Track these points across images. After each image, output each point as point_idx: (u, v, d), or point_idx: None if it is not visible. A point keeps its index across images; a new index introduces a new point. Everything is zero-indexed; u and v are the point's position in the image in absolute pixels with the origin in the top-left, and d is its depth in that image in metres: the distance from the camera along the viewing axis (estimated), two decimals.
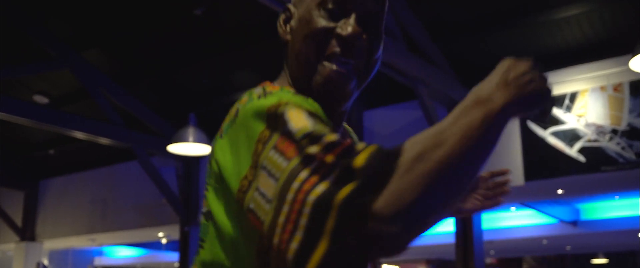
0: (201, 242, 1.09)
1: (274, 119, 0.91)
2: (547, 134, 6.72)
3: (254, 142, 0.92)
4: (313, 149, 0.84)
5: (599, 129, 6.45)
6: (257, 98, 0.99)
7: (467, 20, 6.78)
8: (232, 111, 1.04)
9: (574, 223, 10.73)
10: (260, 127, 0.93)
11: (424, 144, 0.84)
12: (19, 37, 7.57)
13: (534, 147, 6.79)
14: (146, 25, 7.09)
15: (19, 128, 9.22)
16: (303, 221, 0.79)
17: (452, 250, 7.37)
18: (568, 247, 14.23)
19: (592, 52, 6.58)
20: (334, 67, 1.06)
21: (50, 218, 11.69)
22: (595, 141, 6.47)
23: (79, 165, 10.94)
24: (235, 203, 0.96)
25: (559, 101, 6.70)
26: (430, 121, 6.51)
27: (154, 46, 7.51)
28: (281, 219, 0.81)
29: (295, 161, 0.84)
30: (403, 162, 0.81)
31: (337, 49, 1.05)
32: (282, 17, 1.17)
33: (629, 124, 6.31)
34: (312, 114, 0.92)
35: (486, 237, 7.88)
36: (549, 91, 0.95)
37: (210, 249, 1.05)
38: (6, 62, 7.78)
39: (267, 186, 0.86)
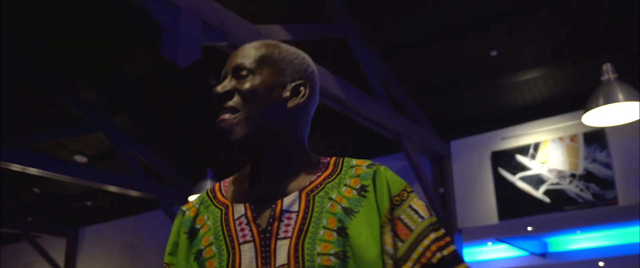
0: None
1: None
2: (516, 179, 6.65)
3: None
4: None
5: (560, 174, 6.39)
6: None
7: (444, 83, 6.80)
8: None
9: (543, 255, 10.55)
10: None
11: None
12: (59, 106, 7.60)
13: (505, 190, 6.71)
14: (167, 93, 7.11)
15: (61, 183, 9.16)
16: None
17: None
18: None
19: (551, 108, 6.60)
20: (217, 120, 1.11)
21: (87, 261, 11.52)
22: (557, 184, 6.39)
23: (111, 214, 10.83)
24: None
25: (524, 150, 6.66)
26: (415, 170, 6.45)
27: (174, 110, 7.51)
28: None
29: None
30: None
31: (220, 110, 1.12)
32: None
33: (585, 169, 6.25)
34: None
35: None
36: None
37: None
38: (48, 127, 7.79)
39: None
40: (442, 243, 1.09)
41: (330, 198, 1.07)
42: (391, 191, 1.11)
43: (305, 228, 1.02)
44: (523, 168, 6.63)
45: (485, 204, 6.88)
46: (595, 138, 6.24)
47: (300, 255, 0.99)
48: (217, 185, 1.19)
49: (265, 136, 1.10)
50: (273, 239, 1.02)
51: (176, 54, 3.52)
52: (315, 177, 1.14)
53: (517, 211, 6.65)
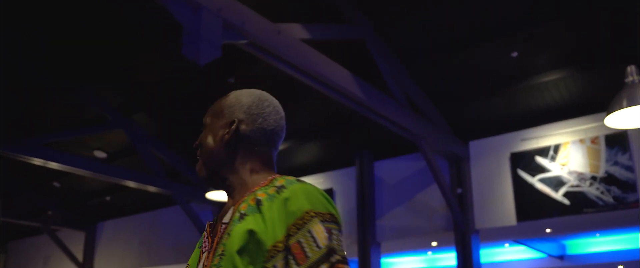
0: None
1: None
2: (536, 181, 6.58)
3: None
4: None
5: (581, 176, 6.31)
6: None
7: (463, 85, 6.75)
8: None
9: (561, 257, 10.42)
10: None
11: None
12: (80, 105, 7.69)
13: (524, 192, 6.65)
14: (186, 93, 7.14)
15: (81, 178, 9.26)
16: None
17: None
18: None
19: (572, 110, 6.52)
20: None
21: (105, 255, 11.65)
22: (577, 186, 6.32)
23: (129, 210, 10.94)
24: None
25: (544, 152, 6.58)
26: (433, 170, 6.41)
27: (192, 109, 7.55)
28: None
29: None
30: None
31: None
32: None
33: (606, 172, 6.16)
34: None
35: None
36: None
37: None
38: (69, 126, 7.89)
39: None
40: None
41: (239, 211, 1.26)
42: (290, 219, 1.21)
43: (216, 245, 1.27)
44: (543, 169, 6.56)
45: (503, 205, 6.82)
46: (617, 141, 6.15)
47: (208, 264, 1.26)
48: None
49: (215, 172, 1.39)
50: (207, 252, 1.29)
51: (197, 53, 3.54)
52: (246, 194, 1.31)
53: (536, 213, 6.58)
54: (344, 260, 1.21)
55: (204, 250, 1.31)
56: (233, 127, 1.37)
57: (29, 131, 7.45)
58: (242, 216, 1.22)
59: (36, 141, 7.24)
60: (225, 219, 1.29)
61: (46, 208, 11.40)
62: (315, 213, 1.22)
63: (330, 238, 1.21)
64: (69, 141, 8.49)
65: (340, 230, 1.26)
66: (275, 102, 1.47)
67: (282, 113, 1.47)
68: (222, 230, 1.27)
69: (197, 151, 1.42)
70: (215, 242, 1.27)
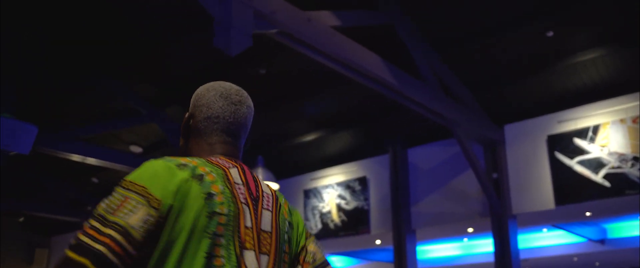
0: None
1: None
2: (574, 163, 6.44)
3: None
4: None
5: (621, 157, 6.14)
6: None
7: (497, 68, 6.64)
8: None
9: (602, 241, 10.21)
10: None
11: None
12: (114, 99, 7.80)
13: (562, 175, 6.51)
14: None
15: (118, 173, 9.43)
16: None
17: None
18: (597, 264, 13.51)
19: (610, 89, 6.35)
20: None
21: None
22: (618, 167, 6.16)
23: None
24: None
25: (583, 133, 6.43)
26: (467, 156, 6.33)
27: None
28: None
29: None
30: None
31: None
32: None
33: None
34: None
35: (522, 256, 7.55)
36: None
37: None
38: (104, 120, 8.02)
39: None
40: None
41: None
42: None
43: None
44: (581, 151, 6.41)
45: (541, 189, 6.70)
46: None
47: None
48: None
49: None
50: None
51: (227, 43, 3.54)
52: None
53: (575, 197, 6.44)
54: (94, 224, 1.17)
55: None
56: (184, 121, 1.48)
57: (62, 126, 7.60)
58: None
59: (72, 135, 7.39)
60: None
61: (85, 204, 11.65)
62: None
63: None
64: (103, 137, 8.64)
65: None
66: (225, 88, 1.48)
67: (234, 98, 1.48)
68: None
69: None
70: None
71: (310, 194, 8.88)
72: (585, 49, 6.04)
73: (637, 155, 6.05)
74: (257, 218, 1.33)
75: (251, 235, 1.30)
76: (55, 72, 7.04)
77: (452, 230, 8.80)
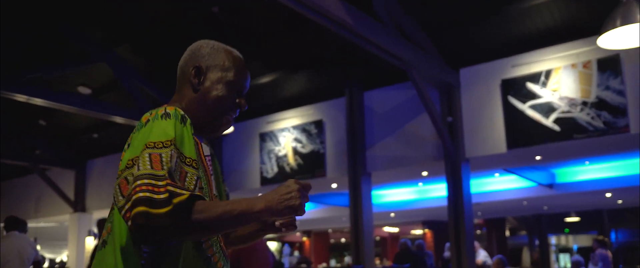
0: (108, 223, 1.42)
1: (150, 148, 1.30)
2: (526, 108, 6.58)
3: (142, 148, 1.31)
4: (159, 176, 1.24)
5: (572, 102, 6.31)
6: (160, 118, 1.35)
7: (453, 11, 6.62)
8: (143, 119, 1.39)
9: (550, 186, 10.60)
10: (145, 141, 1.32)
11: (206, 206, 1.22)
12: (61, 40, 7.50)
13: (514, 119, 6.66)
14: (169, 23, 6.96)
15: (67, 115, 9.18)
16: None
17: (445, 211, 7.28)
18: (545, 207, 14.09)
19: (563, 34, 6.44)
20: (230, 119, 1.54)
21: (96, 193, 11.73)
22: (568, 112, 6.32)
23: (118, 147, 10.89)
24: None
25: (535, 78, 6.55)
26: (423, 99, 6.38)
27: (175, 41, 7.39)
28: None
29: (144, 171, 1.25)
30: (196, 209, 1.20)
31: (234, 113, 1.54)
32: (193, 69, 1.51)
33: (598, 97, 6.16)
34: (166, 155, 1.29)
35: (474, 200, 7.78)
36: (301, 209, 1.24)
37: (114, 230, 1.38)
38: (51, 61, 7.72)
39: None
40: None
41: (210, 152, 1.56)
42: None
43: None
44: (533, 96, 6.54)
45: (494, 133, 6.85)
46: (610, 65, 6.12)
47: (222, 188, 1.59)
48: (181, 113, 1.44)
49: None
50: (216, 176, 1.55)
51: None
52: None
53: (526, 141, 6.62)
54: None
55: (211, 173, 1.47)
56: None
57: (9, 67, 7.29)
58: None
59: (18, 77, 7.11)
60: (207, 152, 1.50)
61: (34, 148, 11.37)
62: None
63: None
64: (51, 79, 8.35)
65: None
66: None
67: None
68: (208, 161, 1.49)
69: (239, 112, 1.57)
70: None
71: (266, 137, 8.86)
72: None
73: (587, 100, 6.22)
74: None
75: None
76: (2, 14, 6.69)
77: (407, 173, 8.96)
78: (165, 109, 1.38)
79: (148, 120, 1.37)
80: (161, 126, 1.33)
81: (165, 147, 1.29)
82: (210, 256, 1.39)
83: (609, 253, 8.64)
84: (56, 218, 12.95)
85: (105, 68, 7.81)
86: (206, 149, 1.48)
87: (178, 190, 1.21)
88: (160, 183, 1.22)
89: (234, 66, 1.53)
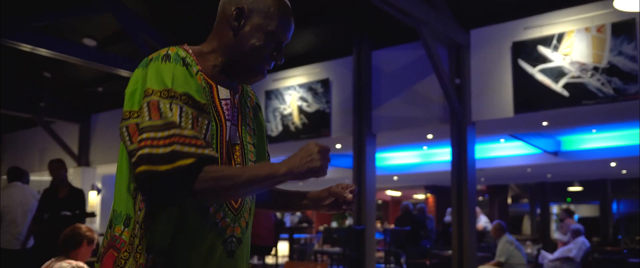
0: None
1: (148, 95, 1.28)
2: (536, 72, 6.50)
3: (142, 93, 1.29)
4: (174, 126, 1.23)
5: (582, 67, 6.23)
6: (160, 60, 1.32)
7: None
8: (149, 57, 1.36)
9: (555, 153, 10.57)
10: (146, 88, 1.29)
11: (234, 171, 1.27)
12: None
13: (523, 83, 6.59)
14: None
15: (72, 67, 9.14)
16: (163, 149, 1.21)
17: (448, 177, 7.28)
18: (549, 175, 14.09)
19: None
20: (266, 68, 1.46)
21: (100, 147, 11.76)
22: (578, 77, 6.25)
23: (123, 101, 10.89)
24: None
25: (547, 41, 6.46)
26: (432, 59, 6.31)
27: None
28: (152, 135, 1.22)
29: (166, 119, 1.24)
30: (204, 177, 1.21)
31: (269, 66, 1.46)
32: (235, 10, 1.42)
33: (609, 62, 6.08)
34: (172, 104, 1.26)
35: (478, 166, 7.76)
36: (322, 170, 1.24)
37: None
38: (53, 8, 7.63)
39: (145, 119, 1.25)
40: None
41: (247, 105, 1.54)
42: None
43: (242, 122, 1.49)
44: (544, 59, 6.46)
45: (501, 97, 6.79)
46: (624, 29, 6.01)
47: (242, 139, 1.46)
48: (188, 53, 1.40)
49: None
50: (240, 124, 1.46)
51: None
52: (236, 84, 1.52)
53: (534, 105, 6.56)
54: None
55: (227, 118, 1.41)
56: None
57: (13, 14, 7.21)
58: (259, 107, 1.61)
59: (23, 25, 7.05)
60: (224, 96, 1.43)
61: (39, 100, 11.36)
62: None
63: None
64: (56, 28, 8.28)
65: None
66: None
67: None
68: (237, 105, 1.47)
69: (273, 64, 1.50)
70: (239, 116, 1.46)
71: (272, 95, 8.83)
72: None
73: (598, 65, 6.14)
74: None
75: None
76: None
77: (412, 135, 8.94)
78: (168, 50, 1.35)
79: (152, 59, 1.34)
80: (159, 71, 1.29)
81: (163, 98, 1.26)
82: (218, 221, 1.33)
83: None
84: None
85: (110, 19, 7.73)
86: (224, 93, 1.42)
87: (185, 149, 1.19)
88: (159, 134, 1.20)
89: (278, 14, 1.43)
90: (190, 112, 1.27)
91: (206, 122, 1.30)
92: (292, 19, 1.47)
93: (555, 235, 9.11)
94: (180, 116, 1.25)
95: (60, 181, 5.62)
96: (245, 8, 1.42)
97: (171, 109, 1.24)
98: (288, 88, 8.66)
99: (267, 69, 1.47)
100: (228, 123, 1.40)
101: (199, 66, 1.39)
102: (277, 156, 5.25)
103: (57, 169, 5.62)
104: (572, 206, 19.03)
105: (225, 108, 1.40)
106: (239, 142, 1.44)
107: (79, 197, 5.64)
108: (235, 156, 1.41)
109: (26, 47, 7.10)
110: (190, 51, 1.41)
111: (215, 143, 1.35)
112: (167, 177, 1.18)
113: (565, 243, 8.23)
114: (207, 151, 1.23)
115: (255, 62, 1.43)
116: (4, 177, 6.39)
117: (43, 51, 7.26)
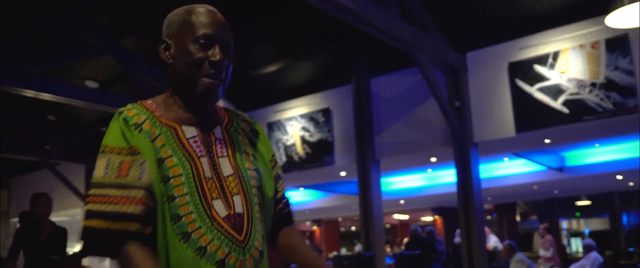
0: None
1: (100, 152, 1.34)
2: (534, 90, 6.52)
3: None
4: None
5: (580, 83, 6.24)
6: (114, 118, 1.38)
7: None
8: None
9: (560, 169, 10.53)
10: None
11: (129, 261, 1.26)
12: (65, 30, 7.50)
13: (522, 102, 6.61)
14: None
15: (75, 110, 9.20)
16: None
17: (455, 198, 7.25)
18: (555, 191, 14.01)
19: (570, 14, 6.37)
20: (211, 81, 1.35)
21: None
22: (577, 94, 6.27)
23: None
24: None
25: (543, 60, 6.49)
26: (429, 82, 6.34)
27: None
28: None
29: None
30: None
31: (212, 70, 1.35)
32: (162, 46, 1.41)
33: (607, 77, 6.09)
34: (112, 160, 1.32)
35: (484, 185, 7.74)
36: None
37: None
38: (55, 52, 7.72)
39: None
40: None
41: (239, 133, 1.49)
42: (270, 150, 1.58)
43: (233, 151, 1.43)
44: (541, 78, 6.48)
45: (502, 117, 6.80)
46: (618, 44, 6.04)
47: (238, 168, 1.41)
48: (146, 105, 1.41)
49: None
50: (216, 157, 1.39)
51: None
52: (223, 117, 1.49)
53: (535, 124, 6.57)
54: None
55: (200, 155, 1.37)
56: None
57: (11, 61, 7.30)
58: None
59: (24, 71, 7.12)
60: (191, 134, 1.39)
61: (44, 143, 11.42)
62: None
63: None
64: (57, 72, 8.36)
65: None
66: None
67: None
68: (220, 138, 1.43)
69: (223, 72, 1.38)
70: (228, 146, 1.42)
71: (274, 127, 8.86)
72: None
73: (595, 81, 6.15)
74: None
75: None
76: (2, 4, 6.69)
77: (415, 159, 8.94)
78: (123, 108, 1.40)
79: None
80: (109, 128, 1.37)
81: (106, 153, 1.32)
82: (206, 245, 1.28)
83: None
84: (68, 212, 13.04)
85: (111, 60, 7.81)
86: (190, 132, 1.37)
87: (104, 209, 1.26)
88: (93, 191, 1.28)
89: (190, 17, 1.37)
90: (117, 160, 1.31)
91: (140, 163, 1.30)
92: (206, 10, 1.40)
93: (540, 252, 9.08)
94: (107, 168, 1.30)
95: (44, 218, 5.31)
96: (166, 38, 1.42)
97: (107, 167, 1.30)
98: (289, 119, 8.70)
99: (215, 75, 1.36)
100: (203, 159, 1.35)
101: (157, 113, 1.38)
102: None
103: (45, 205, 5.33)
104: (582, 221, 18.83)
105: (194, 145, 1.36)
106: (232, 173, 1.38)
107: (63, 237, 5.36)
108: (230, 187, 1.36)
109: (29, 93, 7.15)
110: (148, 102, 1.42)
111: (189, 180, 1.32)
112: (83, 234, 1.28)
113: (548, 259, 8.23)
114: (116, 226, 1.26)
115: (195, 76, 1.34)
116: (14, 220, 6.38)
117: (46, 96, 7.32)
